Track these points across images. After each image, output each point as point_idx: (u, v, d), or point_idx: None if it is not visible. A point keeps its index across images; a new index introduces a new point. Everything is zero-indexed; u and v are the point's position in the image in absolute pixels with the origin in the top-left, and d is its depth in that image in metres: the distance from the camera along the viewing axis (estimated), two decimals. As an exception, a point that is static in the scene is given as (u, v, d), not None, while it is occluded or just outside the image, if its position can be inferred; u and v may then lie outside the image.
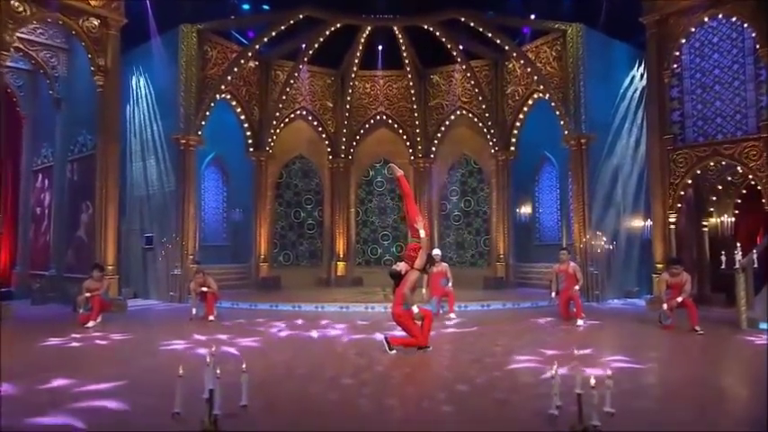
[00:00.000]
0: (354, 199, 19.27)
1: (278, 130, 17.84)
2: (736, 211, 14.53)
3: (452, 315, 11.12)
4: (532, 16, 16.13)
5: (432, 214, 18.46)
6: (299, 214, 18.95)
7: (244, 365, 4.38)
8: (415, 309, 7.33)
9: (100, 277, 10.82)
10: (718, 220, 14.47)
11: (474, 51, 17.45)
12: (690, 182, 12.82)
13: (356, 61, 18.08)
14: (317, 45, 16.87)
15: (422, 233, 7.42)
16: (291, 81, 17.45)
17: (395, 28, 16.89)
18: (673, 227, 12.90)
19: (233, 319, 11.28)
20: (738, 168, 12.31)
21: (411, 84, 18.39)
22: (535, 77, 15.39)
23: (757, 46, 11.76)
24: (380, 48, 18.37)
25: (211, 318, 10.96)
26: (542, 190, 19.03)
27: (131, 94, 16.14)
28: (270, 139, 17.47)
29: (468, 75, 17.38)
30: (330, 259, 18.84)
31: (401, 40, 17.38)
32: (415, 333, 7.35)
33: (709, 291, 13.57)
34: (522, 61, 15.75)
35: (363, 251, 19.41)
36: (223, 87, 15.65)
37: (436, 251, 12.11)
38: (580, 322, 9.98)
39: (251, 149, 17.49)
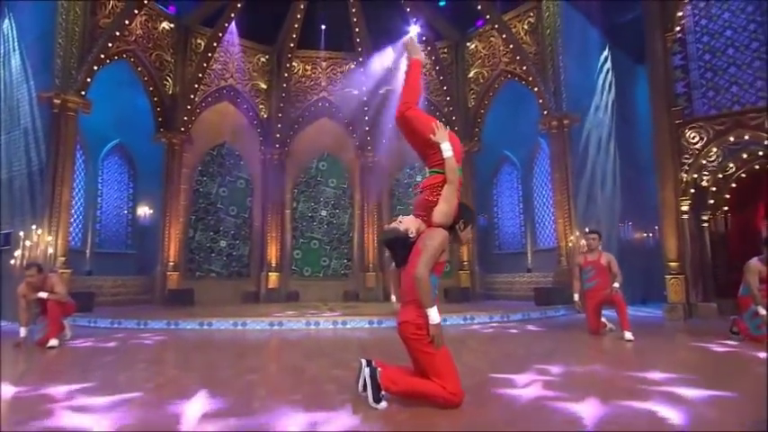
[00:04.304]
0: (291, 198, 14.69)
1: (197, 110, 13.13)
2: (725, 208, 11.60)
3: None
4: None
5: (382, 214, 14.27)
6: (221, 214, 14.03)
7: None
8: (433, 315, 2.95)
9: None
10: (713, 214, 11.35)
11: (431, 31, 13.77)
12: (705, 162, 9.51)
13: (294, 37, 13.86)
14: (240, 6, 12.48)
15: (446, 149, 3.14)
16: (215, 47, 12.89)
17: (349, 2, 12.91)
18: (686, 216, 9.47)
19: (98, 344, 6.39)
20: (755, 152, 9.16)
21: (359, 67, 14.37)
22: (510, 46, 11.80)
23: (780, 0, 8.83)
24: (323, 27, 14.38)
25: (53, 343, 6.00)
26: (501, 193, 15.48)
27: (1, 46, 11.04)
28: (186, 118, 12.70)
29: (428, 54, 13.59)
30: (260, 269, 14.04)
31: (354, 18, 13.39)
32: (441, 370, 2.97)
33: (713, 296, 10.21)
34: (496, 26, 12.14)
35: (301, 260, 14.76)
36: (118, 35, 10.82)
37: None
38: (629, 335, 5.97)
39: (161, 129, 12.61)
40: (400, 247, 3.17)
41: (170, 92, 12.70)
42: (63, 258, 9.71)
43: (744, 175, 10.33)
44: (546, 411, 2.97)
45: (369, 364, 3.11)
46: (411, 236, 3.14)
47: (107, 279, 11.90)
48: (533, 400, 3.21)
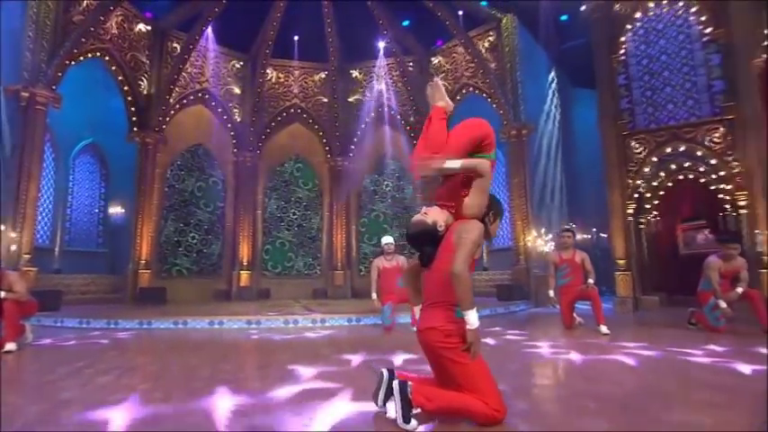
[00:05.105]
0: (262, 198, 13.83)
1: (172, 112, 12.08)
2: (655, 212, 11.95)
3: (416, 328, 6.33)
4: (460, 12, 12.55)
5: (350, 216, 13.70)
6: (193, 214, 12.95)
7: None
8: (472, 318, 2.31)
9: None
10: (647, 218, 11.64)
11: (399, 45, 13.40)
12: (646, 170, 9.66)
13: (269, 44, 13.08)
14: (216, 11, 11.61)
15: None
16: (191, 50, 11.92)
17: (324, 12, 12.28)
18: (631, 219, 9.57)
19: (68, 347, 5.44)
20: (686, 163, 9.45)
21: (331, 77, 13.78)
22: (474, 60, 11.62)
23: (707, 30, 9.15)
24: (297, 37, 13.69)
25: (10, 347, 4.96)
26: (459, 198, 15.25)
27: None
28: (160, 118, 11.64)
29: (396, 66, 13.22)
30: (231, 268, 13.07)
31: (328, 29, 12.79)
32: (479, 383, 2.30)
33: (650, 290, 10.41)
34: (462, 41, 11.91)
35: (269, 259, 13.88)
36: (93, 31, 9.71)
37: (388, 239, 7.23)
38: (604, 329, 5.75)
39: (135, 129, 11.47)
40: (428, 242, 2.53)
41: (144, 92, 11.58)
42: (28, 256, 8.48)
43: (670, 184, 10.62)
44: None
45: (392, 374, 2.47)
46: (440, 229, 2.54)
47: (76, 277, 10.64)
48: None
